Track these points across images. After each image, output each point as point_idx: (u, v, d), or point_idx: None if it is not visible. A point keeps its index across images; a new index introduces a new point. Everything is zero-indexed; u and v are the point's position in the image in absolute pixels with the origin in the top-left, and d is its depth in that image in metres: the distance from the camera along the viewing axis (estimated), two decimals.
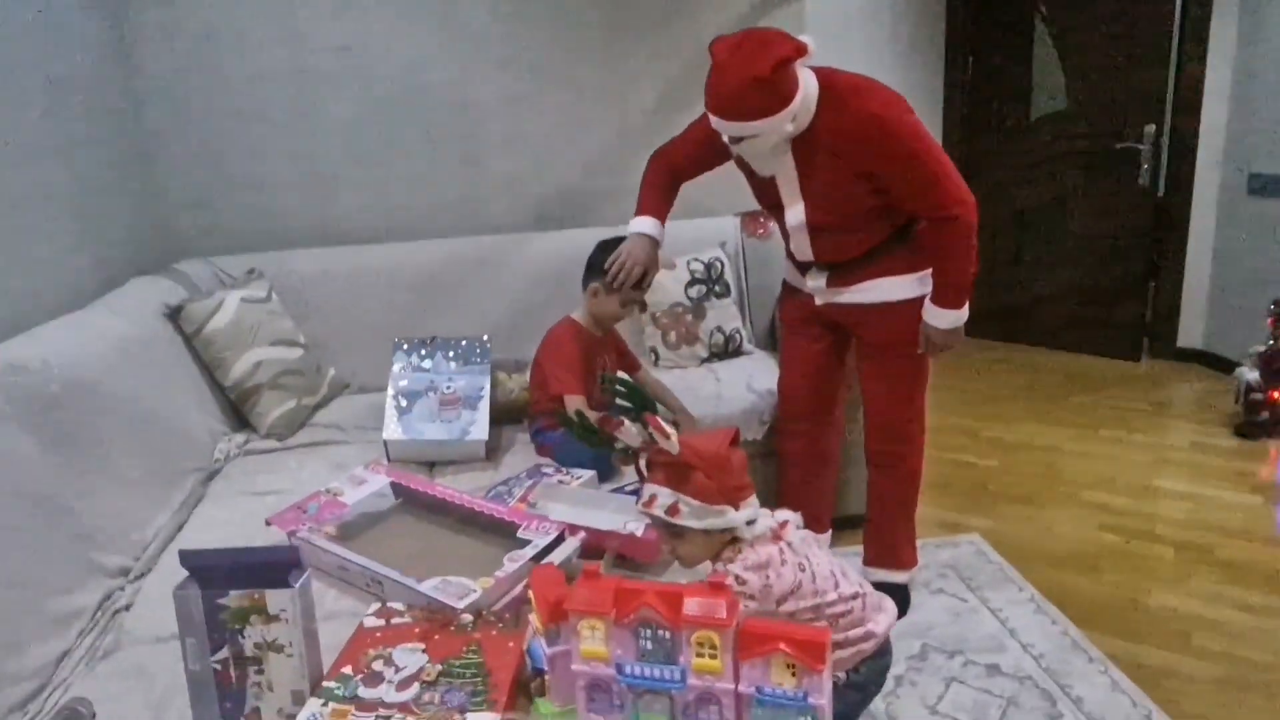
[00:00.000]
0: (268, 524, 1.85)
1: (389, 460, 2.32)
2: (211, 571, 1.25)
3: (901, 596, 2.34)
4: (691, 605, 1.23)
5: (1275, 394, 3.31)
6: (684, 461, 1.44)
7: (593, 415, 1.70)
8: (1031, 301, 4.61)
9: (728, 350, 3.03)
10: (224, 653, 1.26)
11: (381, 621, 1.43)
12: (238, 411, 2.55)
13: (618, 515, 1.81)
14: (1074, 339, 4.50)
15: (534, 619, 1.39)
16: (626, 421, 1.47)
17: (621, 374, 2.47)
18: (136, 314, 2.39)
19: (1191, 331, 4.24)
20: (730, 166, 2.31)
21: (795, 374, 2.43)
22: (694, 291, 3.00)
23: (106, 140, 2.68)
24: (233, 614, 1.24)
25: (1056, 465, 3.26)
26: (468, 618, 1.44)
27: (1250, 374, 3.36)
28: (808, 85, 1.94)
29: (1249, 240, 3.90)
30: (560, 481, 2.06)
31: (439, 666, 1.31)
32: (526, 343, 2.56)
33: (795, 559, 1.51)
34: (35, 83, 2.33)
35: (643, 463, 1.55)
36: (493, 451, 2.37)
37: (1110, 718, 1.92)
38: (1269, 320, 3.38)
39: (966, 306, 2.10)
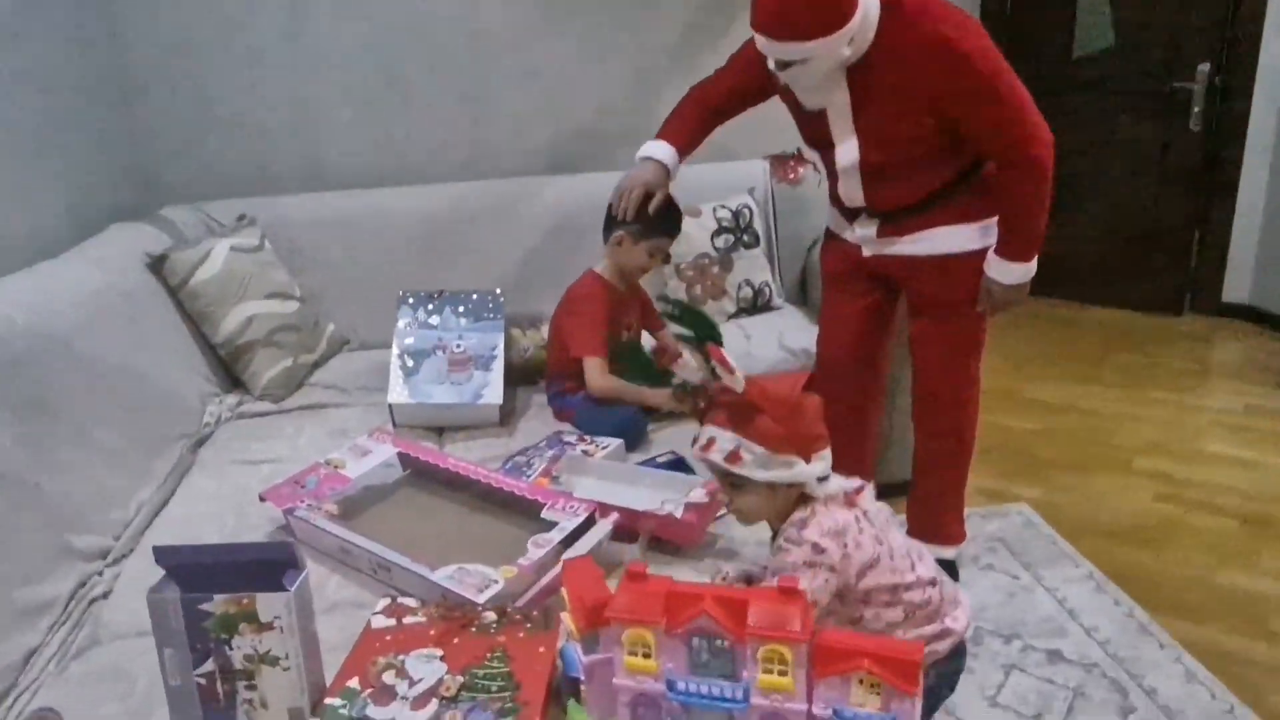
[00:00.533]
0: (261, 499, 1.67)
1: (394, 425, 2.13)
2: (192, 572, 1.06)
3: (949, 574, 2.17)
4: (758, 614, 1.04)
5: None
6: (749, 402, 1.24)
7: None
8: (1067, 253, 4.35)
9: (756, 305, 2.81)
10: (209, 665, 1.08)
11: (391, 621, 1.24)
12: (229, 371, 2.35)
13: (654, 493, 1.62)
14: (1112, 292, 4.27)
15: (566, 619, 1.21)
16: (686, 353, 1.26)
17: (653, 334, 2.27)
18: (115, 264, 2.17)
19: (1238, 286, 4.01)
20: (763, 106, 2.08)
21: (836, 333, 2.22)
22: (720, 241, 2.78)
23: (83, 70, 2.44)
24: (218, 621, 1.05)
25: (1103, 429, 3.06)
26: (490, 615, 1.26)
27: None
28: (868, 3, 1.70)
29: None
30: (584, 451, 1.87)
31: (460, 678, 1.13)
32: (542, 296, 2.35)
33: (872, 530, 1.32)
34: (3, 2, 2.09)
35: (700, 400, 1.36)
36: (507, 416, 2.17)
37: (1189, 713, 1.75)
38: None
39: (1035, 260, 1.89)
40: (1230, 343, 3.80)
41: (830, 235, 2.21)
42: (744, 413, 1.25)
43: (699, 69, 2.18)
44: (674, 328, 1.29)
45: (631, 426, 2.02)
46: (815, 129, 1.95)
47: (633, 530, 1.57)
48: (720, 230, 2.78)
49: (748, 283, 2.80)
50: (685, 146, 2.10)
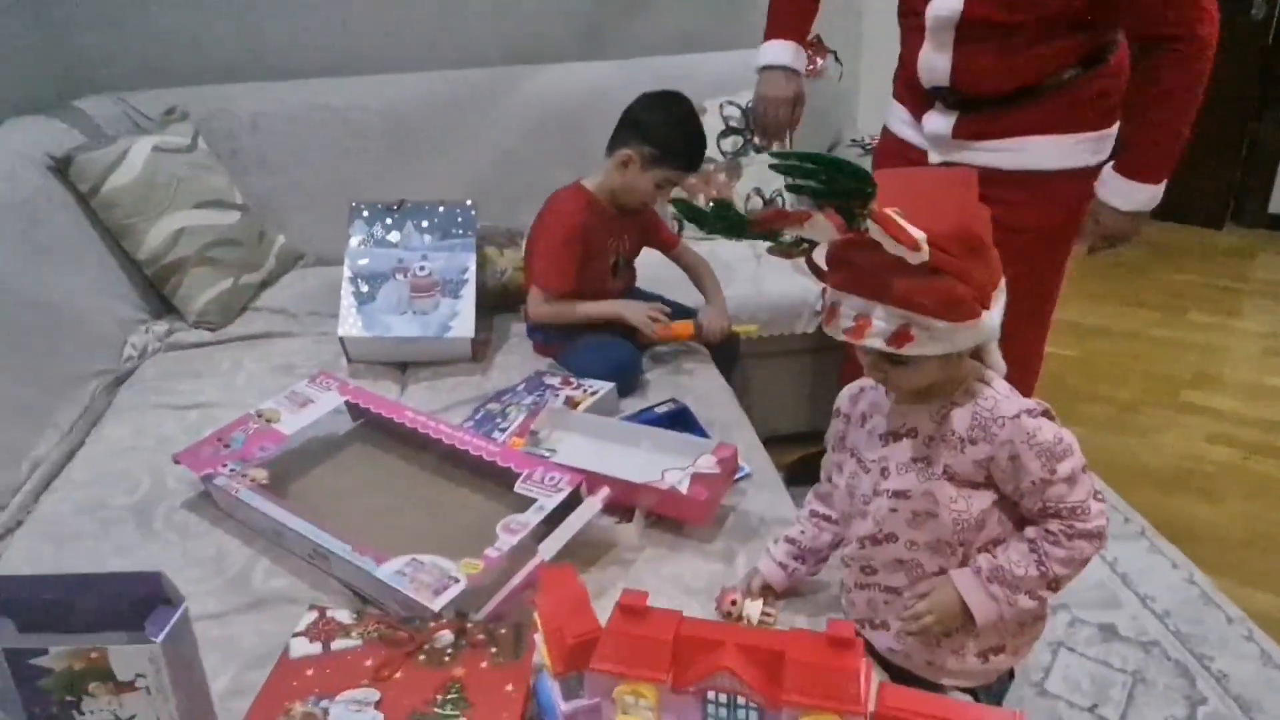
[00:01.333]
0: (176, 463, 1.37)
1: (348, 361, 1.82)
2: (28, 610, 0.77)
3: None
4: (800, 673, 0.76)
5: None
6: (932, 266, 0.85)
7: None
8: None
9: None
10: None
11: (315, 648, 0.96)
12: (158, 294, 2.02)
13: (654, 458, 1.33)
14: None
15: (541, 643, 0.94)
16: (816, 214, 0.88)
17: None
18: (10, 166, 1.83)
19: None
20: None
21: None
22: (728, 144, 2.42)
23: None
24: (58, 680, 0.77)
25: (1145, 356, 2.78)
26: (446, 636, 0.98)
27: None
28: None
29: None
30: (569, 399, 1.58)
31: None
32: (521, 208, 2.00)
33: None
34: None
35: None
36: (481, 350, 1.87)
37: (1267, 704, 1.52)
38: None
39: (1164, 183, 1.50)
40: (1276, 259, 3.49)
41: (889, 137, 1.83)
42: (910, 278, 0.86)
43: None
44: (795, 180, 0.84)
45: (626, 366, 1.73)
46: None
47: (627, 505, 1.29)
48: (728, 130, 2.42)
49: (758, 192, 2.45)
50: (804, 33, 1.79)
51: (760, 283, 2.18)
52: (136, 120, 2.22)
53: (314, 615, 1.01)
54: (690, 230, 2.42)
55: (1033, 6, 1.42)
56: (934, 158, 1.65)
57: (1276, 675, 1.58)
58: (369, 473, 1.39)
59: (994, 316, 0.93)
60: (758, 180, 2.45)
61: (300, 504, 1.27)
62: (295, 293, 2.15)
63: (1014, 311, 1.71)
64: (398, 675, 0.93)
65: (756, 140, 1.74)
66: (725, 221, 0.92)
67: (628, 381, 1.70)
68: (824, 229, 0.87)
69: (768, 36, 1.81)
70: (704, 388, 1.74)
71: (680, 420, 1.54)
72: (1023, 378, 1.77)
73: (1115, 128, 1.54)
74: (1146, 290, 3.23)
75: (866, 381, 1.07)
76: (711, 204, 0.94)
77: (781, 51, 1.79)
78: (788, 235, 0.91)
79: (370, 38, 2.50)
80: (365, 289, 1.82)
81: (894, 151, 1.77)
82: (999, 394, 0.97)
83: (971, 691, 1.08)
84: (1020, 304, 1.74)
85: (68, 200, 1.90)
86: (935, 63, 1.55)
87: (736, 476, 1.38)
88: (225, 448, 1.38)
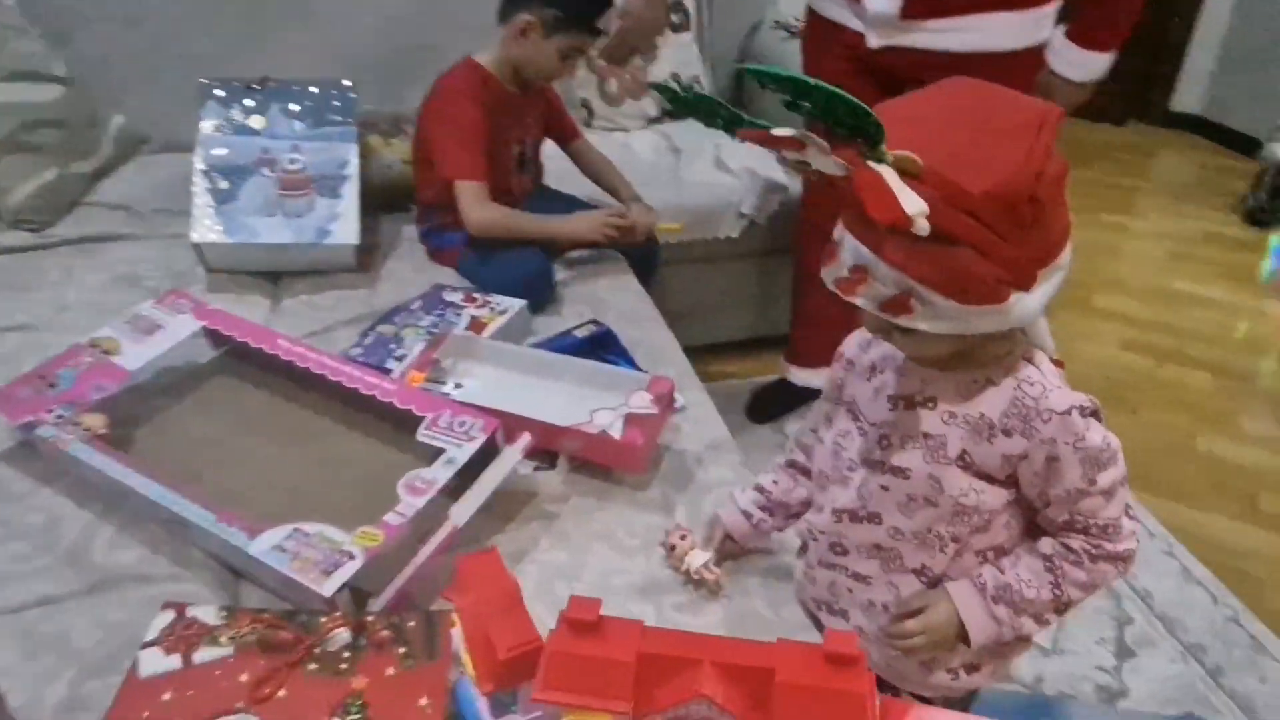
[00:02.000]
0: None
1: (207, 270, 1.55)
2: None
3: None
4: (793, 699, 0.62)
5: None
6: (943, 232, 0.65)
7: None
8: None
9: None
10: None
11: (173, 661, 0.77)
12: None
13: (578, 393, 1.16)
14: None
15: (460, 640, 0.78)
16: (812, 141, 0.65)
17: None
18: None
19: (1190, 93, 3.69)
20: None
21: None
22: None
23: None
24: None
25: None
26: (341, 636, 0.80)
27: None
28: None
29: None
30: (474, 319, 1.38)
31: None
32: (410, 88, 1.72)
33: None
34: None
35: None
36: (367, 257, 1.62)
37: (1191, 622, 1.53)
38: None
39: (1114, 53, 1.45)
40: (1178, 158, 3.52)
41: (817, 21, 1.64)
42: (915, 241, 0.66)
43: None
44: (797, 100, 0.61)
45: (536, 278, 1.52)
46: None
47: (550, 450, 1.12)
48: None
49: (675, 77, 2.22)
50: None
51: (680, 183, 1.98)
52: None
53: (170, 616, 0.81)
54: (598, 127, 2.19)
55: None
56: (873, 42, 1.50)
57: (1198, 591, 1.59)
58: (235, 417, 1.15)
59: (1031, 301, 0.72)
60: (674, 64, 2.23)
61: (149, 459, 1.04)
62: (139, 185, 1.83)
63: None
64: (281, 693, 0.75)
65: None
66: (718, 116, 0.70)
67: (540, 296, 1.51)
68: (824, 161, 0.67)
69: None
70: (625, 303, 1.56)
71: (603, 344, 1.36)
72: None
73: (1058, 2, 1.43)
74: None
75: None
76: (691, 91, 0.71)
77: None
78: (789, 160, 0.69)
79: None
80: (224, 185, 1.53)
81: (827, 36, 1.59)
82: (1048, 381, 0.78)
83: (928, 701, 0.93)
84: None
85: None
86: None
87: (676, 409, 1.22)
88: (50, 387, 1.12)
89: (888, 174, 0.64)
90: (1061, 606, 0.82)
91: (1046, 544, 0.82)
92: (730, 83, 2.41)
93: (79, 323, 1.34)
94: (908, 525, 0.84)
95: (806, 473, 0.97)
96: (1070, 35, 1.42)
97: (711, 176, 2.00)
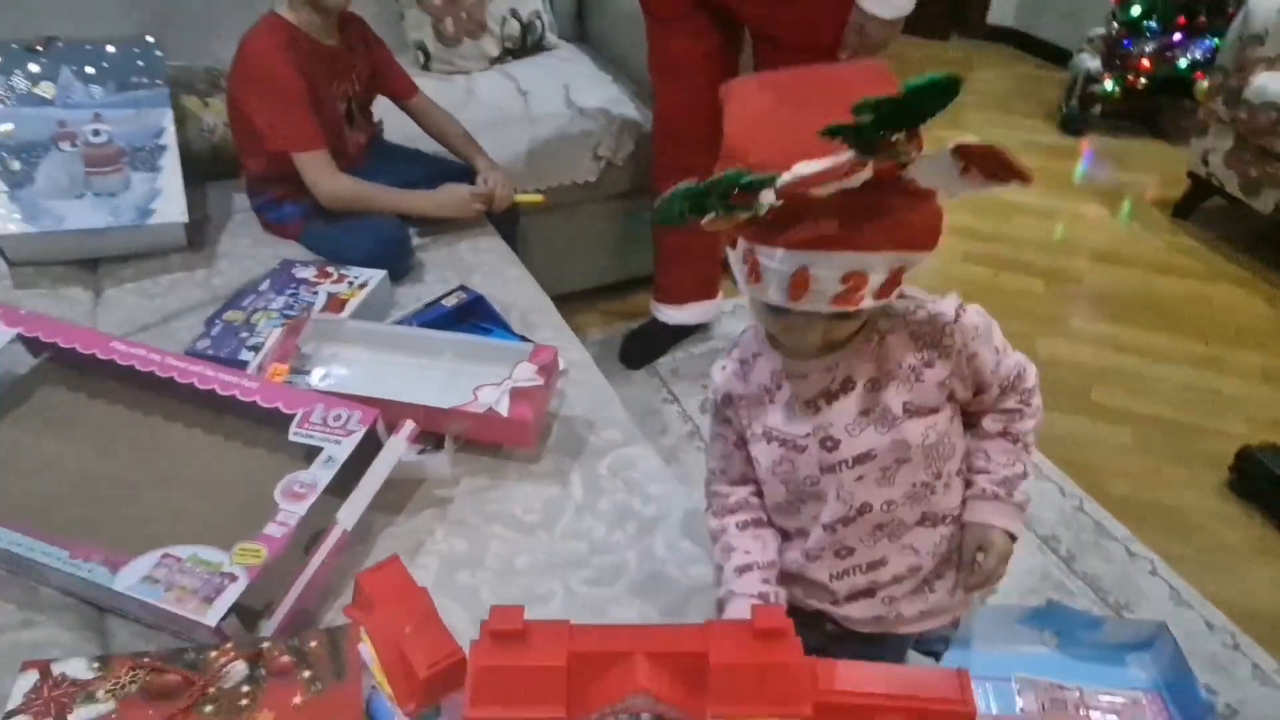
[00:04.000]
0: None
1: (9, 265, 1.37)
2: None
3: None
4: (728, 679, 0.62)
5: (1108, 80, 3.02)
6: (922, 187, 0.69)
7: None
8: None
9: (526, 45, 2.16)
10: None
11: None
12: None
13: (458, 369, 1.10)
14: None
15: (369, 654, 0.74)
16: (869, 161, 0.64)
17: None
18: None
19: (1003, 7, 3.86)
20: None
21: (676, 88, 1.69)
22: None
23: None
24: None
25: None
26: (238, 670, 0.75)
27: (1091, 62, 3.03)
28: None
29: None
30: (331, 296, 1.29)
31: None
32: (221, 39, 1.54)
33: None
34: None
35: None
36: (199, 233, 1.48)
37: (1045, 515, 1.65)
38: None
39: None
40: (997, 71, 3.68)
41: None
42: (915, 211, 0.71)
43: None
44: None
45: (391, 245, 1.44)
46: None
47: (436, 433, 1.07)
48: None
49: (514, 14, 2.12)
50: None
51: (532, 126, 1.90)
52: None
53: (33, 678, 0.72)
54: (436, 71, 2.07)
55: None
56: None
57: (1047, 486, 1.71)
58: (71, 434, 1.03)
59: None
60: (513, 0, 2.11)
61: None
62: None
63: None
64: None
65: None
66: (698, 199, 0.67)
67: (398, 263, 1.42)
68: (865, 173, 0.65)
69: None
70: (490, 263, 1.50)
71: (474, 312, 1.30)
72: None
73: None
74: None
75: (744, 352, 0.89)
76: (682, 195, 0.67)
77: None
78: (829, 190, 0.66)
79: None
80: (16, 166, 1.34)
81: None
82: (921, 299, 0.83)
83: (948, 635, 0.99)
84: None
85: None
86: None
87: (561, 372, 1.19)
88: None
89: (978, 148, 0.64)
90: (1031, 454, 0.90)
91: (990, 423, 0.88)
92: (571, 16, 2.32)
93: None
94: (895, 493, 0.85)
95: (759, 522, 0.94)
96: None
97: (564, 119, 1.93)
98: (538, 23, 2.17)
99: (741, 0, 1.53)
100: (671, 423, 1.85)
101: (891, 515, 0.87)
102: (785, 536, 0.95)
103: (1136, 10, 2.94)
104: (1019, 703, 1.12)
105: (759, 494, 0.94)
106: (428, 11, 2.02)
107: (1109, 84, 3.03)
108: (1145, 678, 1.18)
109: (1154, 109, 3.07)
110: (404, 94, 1.61)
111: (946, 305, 0.83)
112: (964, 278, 2.36)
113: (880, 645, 0.96)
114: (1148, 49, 2.93)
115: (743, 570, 0.91)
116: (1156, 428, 1.89)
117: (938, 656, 1.01)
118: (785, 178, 0.65)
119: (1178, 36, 2.90)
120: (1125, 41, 2.96)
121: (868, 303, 0.72)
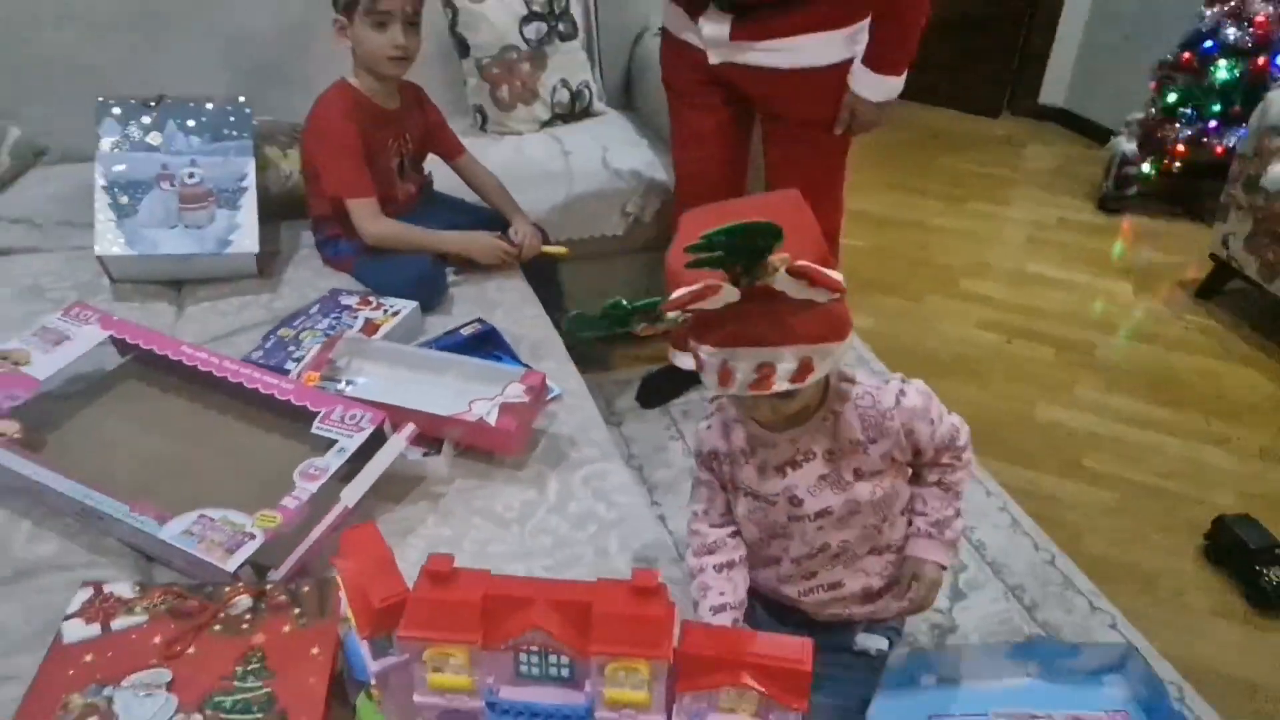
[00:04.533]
0: None
1: (112, 281, 1.64)
2: None
3: None
4: (607, 625, 0.78)
5: (1145, 163, 3.11)
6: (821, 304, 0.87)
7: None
8: None
9: (575, 111, 2.40)
10: None
11: (93, 629, 0.89)
12: None
13: (460, 386, 1.29)
14: (933, 88, 4.10)
15: (347, 606, 0.91)
16: (725, 284, 0.85)
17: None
18: None
19: (1055, 87, 3.97)
20: None
21: (694, 156, 1.89)
22: (531, 31, 2.29)
23: None
24: None
25: (929, 246, 2.98)
26: (243, 601, 0.94)
27: (1128, 145, 3.13)
28: None
29: None
30: (369, 321, 1.50)
31: (197, 717, 0.82)
32: (302, 97, 1.80)
33: None
34: None
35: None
36: (268, 264, 1.72)
37: (1016, 566, 1.75)
38: (1152, 84, 3.11)
39: (904, 75, 1.63)
40: (1045, 149, 3.79)
41: (670, 38, 1.81)
42: (809, 313, 0.88)
43: None
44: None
45: (427, 281, 1.65)
46: None
47: (435, 438, 1.26)
48: (531, 16, 2.29)
49: (564, 83, 2.36)
50: None
51: (570, 183, 2.12)
52: None
53: (89, 593, 0.93)
54: (491, 131, 2.31)
55: None
56: (713, 59, 1.70)
57: (1023, 540, 1.81)
58: (143, 417, 1.26)
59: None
60: (564, 71, 2.36)
61: (63, 459, 1.15)
62: (39, 197, 1.89)
63: (808, 190, 1.82)
64: (190, 650, 0.88)
65: None
66: (622, 315, 0.88)
67: (431, 297, 1.63)
68: (730, 293, 0.85)
69: None
70: (512, 301, 1.70)
71: (487, 341, 1.50)
72: (829, 247, 1.89)
73: (867, 20, 1.61)
74: (930, 181, 3.44)
75: (726, 415, 1.09)
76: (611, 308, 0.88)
77: None
78: (711, 305, 0.86)
79: None
80: (124, 200, 1.61)
81: (676, 53, 1.80)
82: (867, 387, 1.03)
83: (897, 627, 1.21)
84: (811, 181, 1.86)
85: None
86: None
87: (547, 398, 1.37)
88: None
89: (800, 267, 0.83)
90: (961, 499, 1.11)
91: (928, 473, 1.09)
92: (619, 87, 2.56)
93: None
94: (850, 534, 1.06)
95: (733, 565, 1.11)
96: (865, 62, 1.61)
97: (599, 178, 2.15)
98: (586, 91, 2.40)
99: (748, 80, 1.72)
100: (675, 458, 2.01)
101: (847, 549, 1.08)
102: (759, 563, 1.14)
103: (1173, 97, 3.04)
104: None
105: (736, 534, 1.13)
106: (487, 80, 2.28)
107: (1146, 166, 3.12)
108: (1120, 696, 1.36)
109: (1191, 192, 3.13)
110: (451, 154, 1.85)
111: (888, 393, 1.02)
112: (975, 342, 2.47)
113: (833, 629, 1.15)
114: (1184, 134, 3.02)
115: (717, 610, 1.09)
116: (1143, 494, 1.96)
117: (891, 642, 1.19)
118: (672, 298, 0.84)
119: (1214, 124, 2.98)
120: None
121: (781, 386, 0.90)
